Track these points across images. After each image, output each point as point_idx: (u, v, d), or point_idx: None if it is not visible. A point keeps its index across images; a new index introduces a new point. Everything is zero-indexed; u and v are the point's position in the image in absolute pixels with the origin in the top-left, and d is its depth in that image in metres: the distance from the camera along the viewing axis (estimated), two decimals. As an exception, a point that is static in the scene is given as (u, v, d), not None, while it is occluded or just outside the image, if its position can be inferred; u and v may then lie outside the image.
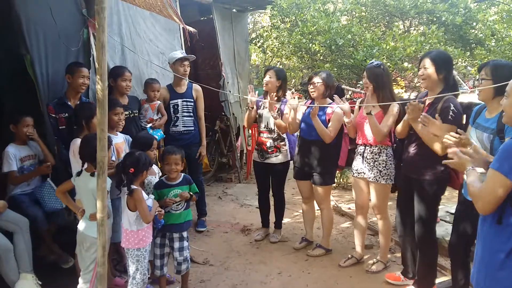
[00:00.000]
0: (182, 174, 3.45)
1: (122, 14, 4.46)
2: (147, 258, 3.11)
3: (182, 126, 4.68)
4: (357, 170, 3.80)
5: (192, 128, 4.73)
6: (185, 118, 4.68)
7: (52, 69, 3.69)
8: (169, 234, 3.37)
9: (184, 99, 4.66)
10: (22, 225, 3.39)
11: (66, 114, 3.63)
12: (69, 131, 3.54)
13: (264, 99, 4.37)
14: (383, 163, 3.62)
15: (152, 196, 3.18)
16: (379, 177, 3.63)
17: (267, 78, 4.30)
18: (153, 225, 3.16)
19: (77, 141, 3.24)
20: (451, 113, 2.98)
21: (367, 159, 3.68)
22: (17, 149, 3.78)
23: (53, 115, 3.63)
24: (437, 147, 3.00)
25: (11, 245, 3.27)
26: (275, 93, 4.21)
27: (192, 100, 4.72)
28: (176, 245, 3.36)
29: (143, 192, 3.04)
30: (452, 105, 2.99)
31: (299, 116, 4.12)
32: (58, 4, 3.68)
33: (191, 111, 4.71)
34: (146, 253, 3.09)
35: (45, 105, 3.62)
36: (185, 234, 3.42)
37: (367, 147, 3.70)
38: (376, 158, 3.64)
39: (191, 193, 3.37)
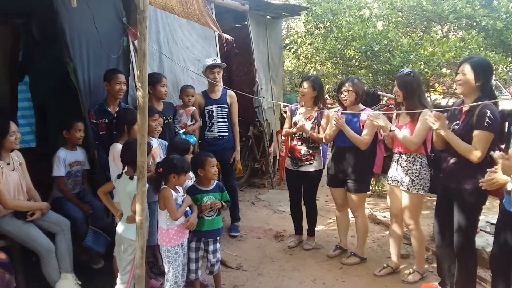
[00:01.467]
0: (215, 181, 3.49)
1: (160, 22, 4.59)
2: (178, 260, 3.15)
3: (217, 132, 4.74)
4: (391, 177, 3.74)
5: (226, 133, 4.79)
6: (220, 124, 4.74)
7: (94, 76, 3.82)
8: (204, 238, 3.42)
9: (218, 105, 4.72)
10: (63, 226, 3.51)
11: (106, 120, 3.75)
12: (109, 136, 3.65)
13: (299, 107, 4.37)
14: (416, 172, 3.54)
15: (181, 195, 3.21)
16: (411, 186, 3.56)
17: (303, 89, 4.25)
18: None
19: (117, 146, 3.34)
20: (487, 120, 2.89)
21: (402, 167, 3.62)
22: (67, 154, 3.92)
23: (94, 121, 3.76)
24: (472, 156, 2.96)
25: (53, 245, 3.39)
26: (311, 104, 4.23)
27: (227, 106, 4.77)
28: (211, 247, 3.42)
29: (172, 191, 3.09)
30: (488, 111, 2.91)
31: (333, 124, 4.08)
32: (100, 13, 3.81)
33: (226, 116, 4.77)
34: (176, 255, 3.13)
35: (87, 111, 3.75)
36: (218, 237, 3.49)
37: (402, 155, 3.63)
38: (410, 167, 3.57)
39: (222, 203, 3.40)
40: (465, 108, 3.12)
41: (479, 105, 2.96)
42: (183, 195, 3.20)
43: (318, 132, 4.25)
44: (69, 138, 3.94)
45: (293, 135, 4.40)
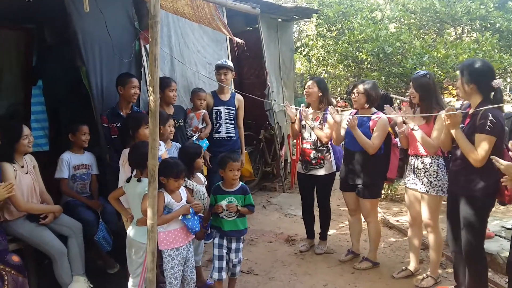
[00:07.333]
0: (240, 183, 3.44)
1: (172, 26, 4.60)
2: (172, 262, 3.06)
3: (225, 133, 4.76)
4: (409, 180, 3.71)
5: (234, 135, 4.83)
6: (228, 125, 4.78)
7: (106, 80, 3.84)
8: (226, 237, 3.38)
9: (226, 107, 4.76)
10: (75, 229, 3.54)
11: (119, 124, 3.76)
12: (121, 140, 3.67)
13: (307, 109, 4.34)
14: (434, 174, 3.50)
15: (178, 202, 3.15)
16: (430, 188, 3.51)
17: (308, 88, 4.29)
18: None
19: (127, 151, 3.34)
20: (488, 123, 2.85)
21: (418, 169, 3.58)
22: (71, 156, 3.95)
23: (106, 125, 3.77)
24: (472, 157, 2.92)
25: (65, 248, 3.41)
26: (317, 104, 4.24)
27: (234, 108, 4.82)
28: (233, 246, 3.39)
29: (168, 196, 3.02)
30: (490, 115, 2.86)
31: (344, 125, 4.06)
32: (113, 18, 3.83)
33: (233, 118, 4.82)
34: (170, 257, 3.06)
35: (99, 115, 3.77)
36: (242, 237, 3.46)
37: (418, 158, 3.59)
38: (427, 169, 3.52)
39: (238, 207, 3.31)
40: (470, 112, 3.08)
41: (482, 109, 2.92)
42: (183, 204, 3.10)
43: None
44: (75, 141, 3.98)
45: (303, 139, 4.38)
